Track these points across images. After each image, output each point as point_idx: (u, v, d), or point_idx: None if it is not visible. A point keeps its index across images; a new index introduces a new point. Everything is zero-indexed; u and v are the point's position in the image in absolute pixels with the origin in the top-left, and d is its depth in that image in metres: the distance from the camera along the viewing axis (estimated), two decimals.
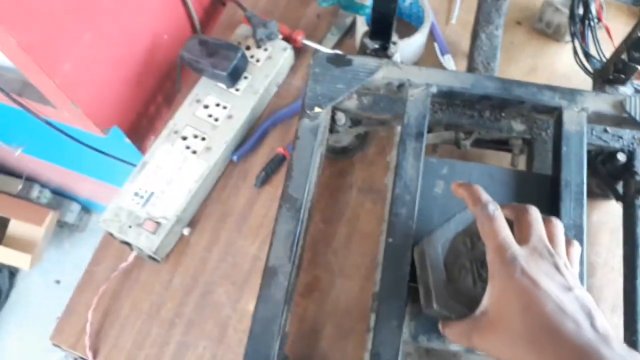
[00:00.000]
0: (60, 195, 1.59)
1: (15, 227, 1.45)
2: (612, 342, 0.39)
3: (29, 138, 1.06)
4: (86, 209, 1.68)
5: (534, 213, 0.47)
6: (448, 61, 0.80)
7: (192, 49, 0.74)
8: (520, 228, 0.46)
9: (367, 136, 0.78)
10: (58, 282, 1.67)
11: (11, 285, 1.66)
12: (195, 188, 0.71)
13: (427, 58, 0.82)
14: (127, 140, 0.82)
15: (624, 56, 0.62)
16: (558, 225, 0.47)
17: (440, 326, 0.50)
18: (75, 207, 1.62)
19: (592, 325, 0.40)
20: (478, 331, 0.45)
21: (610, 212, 0.72)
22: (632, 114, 0.60)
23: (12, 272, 1.65)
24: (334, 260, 0.72)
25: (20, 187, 1.45)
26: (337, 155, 0.77)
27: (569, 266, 0.45)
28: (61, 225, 1.63)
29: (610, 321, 0.68)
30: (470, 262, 0.50)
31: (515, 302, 0.42)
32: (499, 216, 0.46)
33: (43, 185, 1.52)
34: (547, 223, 0.47)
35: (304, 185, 0.59)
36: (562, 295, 0.42)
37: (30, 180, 1.49)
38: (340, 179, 0.76)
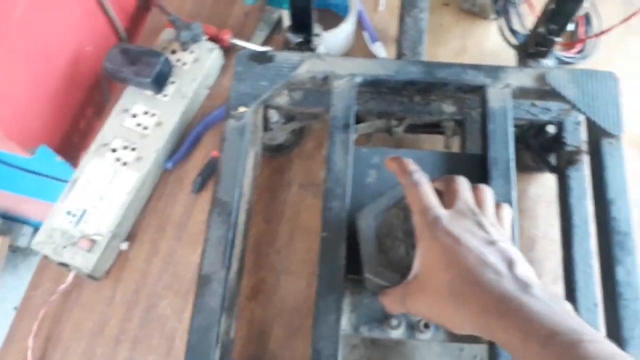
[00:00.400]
0: (11, 220, 1.53)
1: None
2: (533, 289, 0.40)
3: None
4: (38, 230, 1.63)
5: (461, 181, 0.49)
6: (378, 49, 0.80)
7: (114, 58, 0.72)
8: (447, 195, 0.48)
9: (303, 131, 0.77)
10: (16, 308, 1.62)
11: None
12: (128, 200, 0.69)
13: (359, 48, 0.82)
14: (59, 158, 0.79)
15: (542, 29, 0.62)
16: (485, 190, 0.49)
17: (379, 298, 0.50)
18: (27, 230, 1.56)
19: (513, 274, 0.41)
20: (410, 294, 0.46)
21: (546, 185, 0.73)
22: (554, 86, 0.60)
23: None
24: (277, 259, 0.71)
25: None
26: (274, 153, 0.76)
27: (496, 225, 0.46)
28: (14, 250, 1.57)
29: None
30: (403, 233, 0.50)
31: (440, 260, 0.43)
32: (425, 183, 0.47)
33: None
34: (475, 190, 0.49)
35: (234, 188, 0.58)
36: (483, 248, 0.42)
37: None
38: (279, 176, 0.75)
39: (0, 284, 1.53)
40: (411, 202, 0.47)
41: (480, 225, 0.44)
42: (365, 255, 0.50)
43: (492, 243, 0.43)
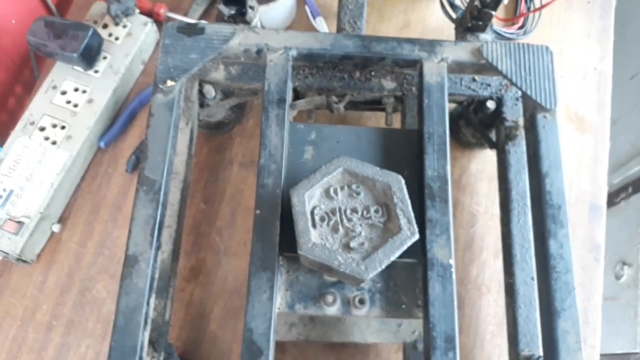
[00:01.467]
0: None
1: None
2: None
3: None
4: None
5: None
6: (320, 24, 0.78)
7: (39, 32, 0.68)
8: None
9: (244, 108, 0.76)
10: None
11: None
12: (58, 181, 0.66)
13: (300, 23, 0.80)
14: None
15: (477, 2, 0.62)
16: None
17: None
18: None
19: None
20: None
21: (488, 160, 0.73)
22: (490, 59, 0.60)
23: None
24: (218, 240, 0.70)
25: None
26: (213, 131, 0.74)
27: None
28: None
29: (494, 267, 0.69)
30: (336, 208, 0.50)
31: None
32: None
33: None
34: None
35: (162, 165, 0.56)
36: None
37: None
38: (219, 154, 0.74)
39: None
40: None
41: None
42: (298, 230, 0.49)
43: None
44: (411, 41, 0.61)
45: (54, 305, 0.66)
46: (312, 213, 0.50)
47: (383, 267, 0.47)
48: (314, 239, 0.48)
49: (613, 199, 1.09)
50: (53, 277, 0.67)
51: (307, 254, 0.48)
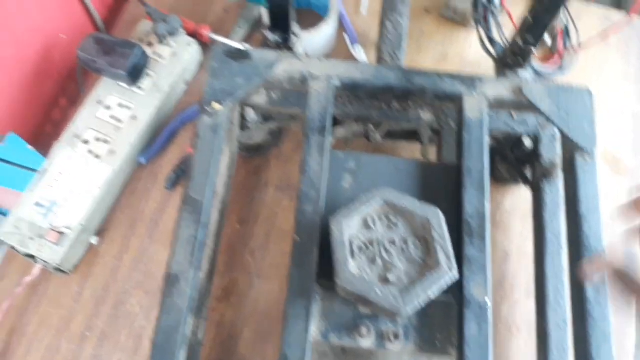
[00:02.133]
0: None
1: None
2: None
3: None
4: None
5: None
6: (359, 52, 0.80)
7: (88, 48, 0.70)
8: None
9: (282, 132, 0.77)
10: None
11: None
12: (100, 194, 0.68)
13: (339, 50, 0.81)
14: (30, 147, 0.77)
15: (519, 40, 0.63)
16: None
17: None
18: None
19: None
20: None
21: (522, 198, 0.74)
22: (530, 98, 0.61)
23: None
24: (251, 261, 0.70)
25: None
26: (251, 153, 0.75)
27: None
28: None
29: (525, 307, 0.69)
30: (374, 240, 0.50)
31: None
32: None
33: None
34: None
35: (206, 186, 0.57)
36: None
37: None
38: (255, 177, 0.75)
39: None
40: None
41: None
42: (337, 260, 0.50)
43: None
44: (452, 76, 0.62)
45: (88, 316, 0.68)
46: (350, 243, 0.51)
47: (422, 303, 0.47)
48: (352, 269, 0.49)
49: None
50: (89, 289, 0.69)
51: (346, 285, 0.48)
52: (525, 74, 0.67)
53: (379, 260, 0.50)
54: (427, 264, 0.49)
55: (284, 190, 0.74)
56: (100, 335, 0.67)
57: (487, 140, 0.60)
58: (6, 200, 1.24)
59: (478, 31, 0.73)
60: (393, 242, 0.51)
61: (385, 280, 0.49)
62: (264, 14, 0.75)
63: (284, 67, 0.61)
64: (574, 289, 0.56)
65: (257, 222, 0.73)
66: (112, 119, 0.71)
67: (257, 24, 0.81)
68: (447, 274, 0.48)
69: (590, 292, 0.54)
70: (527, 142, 0.68)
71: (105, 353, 0.66)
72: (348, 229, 0.51)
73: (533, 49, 0.63)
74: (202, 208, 0.56)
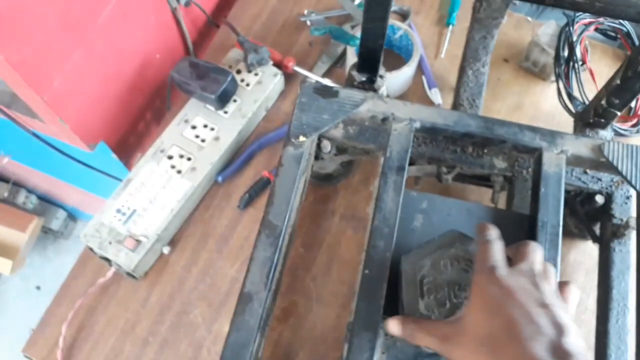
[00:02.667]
0: (47, 202, 1.58)
1: None
2: None
3: (17, 145, 1.06)
4: (72, 216, 1.67)
5: (534, 247, 0.49)
6: (435, 95, 0.82)
7: (183, 70, 0.75)
8: (515, 256, 0.49)
9: (352, 164, 0.79)
10: (39, 288, 1.66)
11: None
12: (177, 208, 0.71)
13: (415, 90, 0.84)
14: (114, 156, 0.82)
15: (604, 101, 0.63)
16: (550, 266, 0.49)
17: (409, 325, 0.50)
18: (61, 215, 1.61)
19: (560, 340, 0.40)
20: (450, 335, 0.46)
21: (587, 253, 0.73)
22: (610, 159, 0.61)
23: None
24: (312, 286, 0.72)
25: (6, 192, 1.45)
26: (321, 182, 0.78)
27: (558, 295, 0.46)
28: (46, 231, 1.62)
29: None
30: (447, 282, 0.51)
31: (488, 308, 0.44)
32: (498, 242, 0.49)
33: (30, 191, 1.52)
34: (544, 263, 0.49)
35: (284, 213, 0.60)
36: (534, 308, 0.43)
37: (17, 185, 1.48)
38: (323, 205, 0.77)
39: (28, 262, 1.57)
40: (479, 254, 0.48)
41: (536, 286, 0.44)
42: (406, 299, 0.51)
43: (544, 306, 0.43)
44: (533, 129, 0.63)
45: (152, 322, 0.71)
46: (421, 283, 0.52)
47: None
48: (422, 309, 0.51)
49: None
50: (156, 295, 0.72)
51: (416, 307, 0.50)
52: (606, 134, 0.67)
53: (448, 303, 0.51)
54: None
55: (349, 221, 0.76)
56: (162, 341, 0.70)
57: (562, 196, 0.60)
58: (76, 200, 1.31)
59: (558, 86, 0.74)
60: (463, 288, 0.52)
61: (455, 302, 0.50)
62: (349, 52, 0.79)
63: (368, 106, 0.64)
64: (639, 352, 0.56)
65: (321, 249, 0.75)
66: (197, 139, 0.75)
67: (338, 60, 0.84)
68: None
69: None
70: (599, 199, 0.68)
71: (165, 359, 0.69)
72: (420, 269, 0.52)
73: (618, 112, 0.64)
74: (279, 232, 0.59)
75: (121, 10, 0.70)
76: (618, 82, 0.61)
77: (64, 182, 1.27)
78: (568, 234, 0.74)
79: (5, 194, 1.44)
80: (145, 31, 0.78)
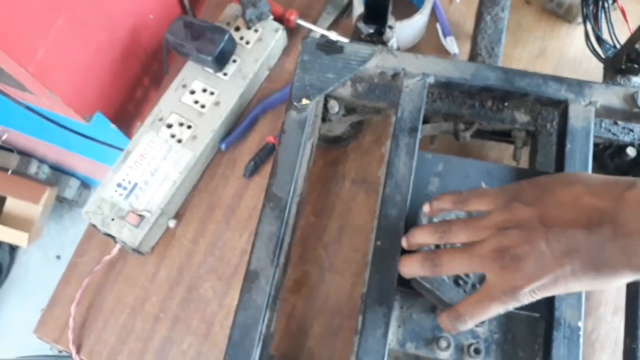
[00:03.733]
0: (59, 171, 1.56)
1: (12, 204, 1.43)
2: None
3: (18, 118, 1.03)
4: (85, 184, 1.66)
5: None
6: (450, 43, 0.76)
7: (177, 31, 0.69)
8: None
9: (362, 124, 0.74)
10: (58, 257, 1.67)
11: (12, 260, 1.65)
12: (180, 179, 0.68)
13: (429, 40, 0.78)
14: (113, 126, 0.78)
15: (638, 45, 0.57)
16: None
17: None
18: (74, 183, 1.59)
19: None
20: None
21: None
22: None
23: (13, 247, 1.65)
24: (324, 255, 0.69)
25: (16, 162, 1.43)
26: (330, 145, 0.73)
27: None
28: (61, 200, 1.61)
29: (611, 324, 0.65)
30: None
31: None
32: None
33: (41, 161, 1.50)
34: None
35: (289, 183, 0.56)
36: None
37: (27, 155, 1.47)
38: (332, 169, 0.73)
39: (45, 232, 1.58)
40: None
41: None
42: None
43: None
44: (558, 79, 0.58)
45: (162, 298, 0.69)
46: (437, 246, 0.50)
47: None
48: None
49: None
50: (164, 270, 0.70)
51: (423, 280, 0.49)
52: (639, 80, 0.61)
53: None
54: None
55: (360, 185, 0.72)
56: (173, 317, 0.68)
57: (591, 151, 0.55)
58: (86, 168, 1.29)
59: (586, 29, 0.67)
60: None
61: (460, 284, 0.49)
62: (356, 1, 0.72)
63: (376, 62, 0.59)
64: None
65: (332, 215, 0.71)
66: (196, 104, 0.71)
67: (345, 10, 0.78)
68: None
69: None
70: (631, 152, 0.62)
71: (177, 335, 0.67)
72: None
73: None
74: (284, 204, 0.55)
75: None
76: None
77: (70, 152, 1.25)
78: None
79: (16, 164, 1.42)
80: None
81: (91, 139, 0.85)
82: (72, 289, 0.70)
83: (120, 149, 0.77)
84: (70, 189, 1.60)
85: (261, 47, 0.73)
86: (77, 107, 0.70)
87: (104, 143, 0.87)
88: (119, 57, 0.75)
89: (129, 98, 0.80)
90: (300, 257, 0.69)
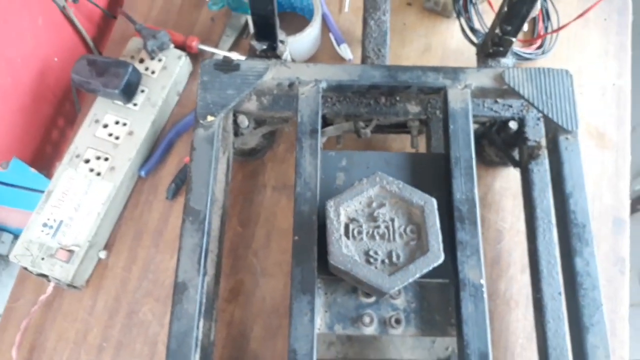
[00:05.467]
0: None
1: None
2: None
3: None
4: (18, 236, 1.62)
5: None
6: (345, 50, 0.82)
7: (82, 70, 0.72)
8: None
9: (275, 134, 0.79)
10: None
11: None
12: (104, 210, 0.70)
13: (325, 49, 0.83)
14: (32, 170, 0.79)
15: (498, 30, 0.65)
16: None
17: None
18: (7, 238, 1.55)
19: None
20: None
21: (512, 179, 0.76)
22: (512, 85, 0.63)
23: None
24: (255, 261, 0.73)
25: None
26: (246, 157, 0.77)
27: None
28: None
29: (521, 281, 0.71)
30: (367, 220, 0.53)
31: None
32: None
33: None
34: None
35: (205, 196, 0.59)
36: None
37: None
38: (253, 179, 0.77)
39: None
40: None
41: None
42: (331, 242, 0.52)
43: None
44: (435, 69, 0.64)
45: (103, 328, 0.70)
46: (346, 226, 0.54)
47: (405, 283, 0.50)
48: (345, 250, 0.52)
49: (636, 205, 1.10)
50: (101, 301, 0.71)
51: (337, 263, 0.52)
52: (508, 61, 0.68)
53: (371, 243, 0.53)
54: (418, 248, 0.52)
55: (281, 191, 0.77)
56: (117, 344, 0.70)
57: (472, 129, 0.62)
58: (15, 220, 1.27)
59: (459, 21, 0.74)
60: (387, 227, 0.53)
61: (377, 262, 0.52)
62: (250, 21, 0.77)
63: (272, 74, 0.63)
64: (565, 262, 0.59)
65: (258, 223, 0.75)
66: (110, 137, 0.73)
67: (244, 30, 0.83)
68: (435, 259, 0.51)
69: (579, 264, 0.57)
70: (513, 125, 0.69)
71: None
72: (344, 213, 0.53)
73: (513, 38, 0.65)
74: (203, 217, 0.59)
75: None
76: (506, 9, 0.62)
77: None
78: (491, 163, 0.77)
79: None
80: (35, 36, 0.75)
81: (12, 185, 0.85)
82: (10, 334, 0.70)
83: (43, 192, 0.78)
84: (3, 244, 1.55)
85: (167, 75, 0.77)
86: None
87: (26, 188, 0.87)
88: (29, 101, 0.76)
89: (45, 140, 0.82)
90: (232, 266, 0.72)
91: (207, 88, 0.63)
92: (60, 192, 0.71)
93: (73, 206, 0.70)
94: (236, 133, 0.72)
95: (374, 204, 0.54)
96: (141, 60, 0.77)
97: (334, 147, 0.71)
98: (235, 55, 0.78)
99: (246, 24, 0.83)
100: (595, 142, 0.77)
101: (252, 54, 0.69)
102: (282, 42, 0.68)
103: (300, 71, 0.64)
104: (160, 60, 0.77)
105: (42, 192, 0.73)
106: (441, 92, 0.64)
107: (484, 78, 0.64)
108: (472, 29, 0.75)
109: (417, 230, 0.53)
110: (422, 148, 0.72)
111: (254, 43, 0.67)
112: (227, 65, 0.64)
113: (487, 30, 0.74)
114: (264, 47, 0.67)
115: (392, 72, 0.64)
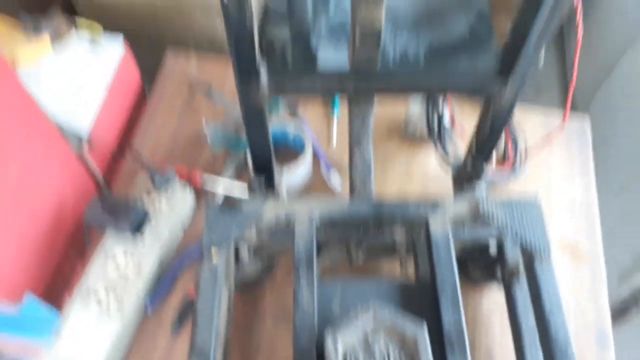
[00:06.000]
0: None
1: None
2: None
3: None
4: None
5: None
6: (334, 177, 0.89)
7: (95, 211, 0.79)
8: None
9: (273, 261, 0.84)
10: None
11: None
12: (110, 350, 0.73)
13: (317, 176, 0.91)
14: (43, 305, 0.83)
15: (470, 157, 0.72)
16: None
17: None
18: None
19: None
20: None
21: (498, 296, 0.80)
22: (487, 216, 0.69)
23: None
24: None
25: None
26: (248, 287, 0.82)
27: None
28: None
29: None
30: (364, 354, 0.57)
31: None
32: None
33: None
34: None
35: (211, 333, 0.63)
36: None
37: None
38: (252, 309, 0.81)
39: None
40: None
41: None
42: None
43: None
44: (416, 203, 0.71)
45: None
46: (344, 356, 0.57)
47: None
48: None
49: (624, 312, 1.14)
50: None
51: None
52: (482, 186, 0.75)
53: None
54: None
55: (280, 320, 0.80)
56: None
57: (453, 255, 0.67)
58: (30, 350, 1.26)
59: (436, 150, 0.82)
60: (383, 358, 0.57)
61: None
62: (249, 157, 0.85)
63: (270, 211, 0.70)
64: None
65: (258, 354, 0.78)
66: (119, 273, 0.78)
67: (243, 165, 0.91)
68: None
69: None
70: (493, 250, 0.75)
71: None
72: (341, 344, 0.57)
73: (485, 164, 0.72)
74: (210, 355, 0.62)
75: (26, 170, 0.74)
76: (475, 141, 0.70)
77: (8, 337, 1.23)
78: (478, 281, 0.81)
79: None
80: (54, 182, 0.81)
81: (25, 319, 0.88)
82: None
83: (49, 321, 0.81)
84: None
85: (172, 209, 0.83)
86: (6, 296, 0.75)
87: (38, 324, 0.90)
88: (45, 243, 0.80)
89: (57, 274, 0.86)
90: None
91: (212, 228, 0.69)
92: (71, 329, 0.74)
93: (83, 344, 0.74)
94: (237, 265, 0.77)
95: (370, 335, 0.59)
96: (149, 193, 0.84)
97: (328, 274, 0.76)
98: (237, 186, 0.84)
99: (245, 157, 0.90)
100: (570, 257, 0.83)
101: (251, 187, 0.76)
102: (278, 175, 0.76)
103: (295, 206, 0.70)
104: (166, 196, 0.84)
105: (52, 324, 0.76)
106: (423, 222, 0.70)
107: (460, 208, 0.70)
108: (447, 158, 0.83)
109: (412, 358, 0.57)
110: (412, 270, 0.77)
111: (253, 177, 0.75)
112: (230, 206, 0.70)
113: (460, 157, 0.82)
114: (262, 181, 0.75)
115: (377, 208, 0.71)
